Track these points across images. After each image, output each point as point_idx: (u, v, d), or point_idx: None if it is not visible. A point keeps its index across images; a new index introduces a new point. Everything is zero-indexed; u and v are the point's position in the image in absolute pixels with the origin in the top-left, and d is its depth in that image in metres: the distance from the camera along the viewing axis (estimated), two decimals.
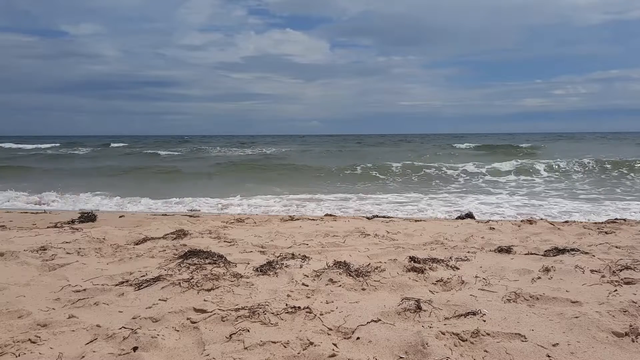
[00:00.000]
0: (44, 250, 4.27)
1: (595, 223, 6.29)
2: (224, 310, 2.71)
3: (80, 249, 4.42)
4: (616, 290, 3.00)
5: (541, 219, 6.46)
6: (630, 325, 2.40)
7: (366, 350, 2.28)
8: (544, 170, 17.45)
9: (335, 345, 2.31)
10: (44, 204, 10.25)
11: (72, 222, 6.49)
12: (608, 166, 17.45)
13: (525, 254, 4.17)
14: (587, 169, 17.58)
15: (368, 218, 7.08)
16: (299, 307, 2.73)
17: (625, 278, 3.22)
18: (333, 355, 2.20)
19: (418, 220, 6.68)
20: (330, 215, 7.65)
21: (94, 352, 2.27)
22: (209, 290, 3.11)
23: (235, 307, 2.78)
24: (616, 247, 4.37)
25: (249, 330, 2.46)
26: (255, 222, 6.34)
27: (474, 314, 2.64)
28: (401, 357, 2.22)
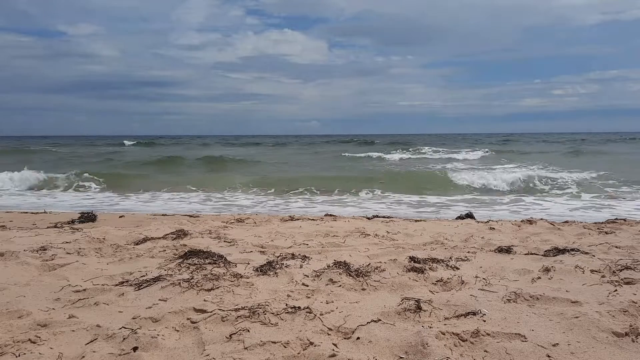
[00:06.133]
0: (44, 250, 4.27)
1: (596, 223, 6.29)
2: (224, 310, 2.70)
3: (80, 249, 4.42)
4: (616, 290, 3.00)
5: (541, 219, 6.46)
6: (630, 325, 2.40)
7: (366, 350, 2.28)
8: None
9: (335, 345, 2.31)
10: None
11: (72, 222, 6.50)
12: None
13: (525, 254, 4.17)
14: None
15: (368, 218, 7.08)
16: (299, 307, 2.73)
17: (625, 278, 3.22)
18: (333, 356, 2.20)
19: (418, 221, 6.68)
20: (330, 215, 7.65)
21: (94, 352, 2.27)
22: (209, 290, 3.11)
23: (235, 307, 2.77)
24: (616, 247, 4.37)
25: (249, 330, 2.46)
26: (255, 222, 6.34)
27: (474, 314, 2.64)
28: (401, 357, 2.22)
